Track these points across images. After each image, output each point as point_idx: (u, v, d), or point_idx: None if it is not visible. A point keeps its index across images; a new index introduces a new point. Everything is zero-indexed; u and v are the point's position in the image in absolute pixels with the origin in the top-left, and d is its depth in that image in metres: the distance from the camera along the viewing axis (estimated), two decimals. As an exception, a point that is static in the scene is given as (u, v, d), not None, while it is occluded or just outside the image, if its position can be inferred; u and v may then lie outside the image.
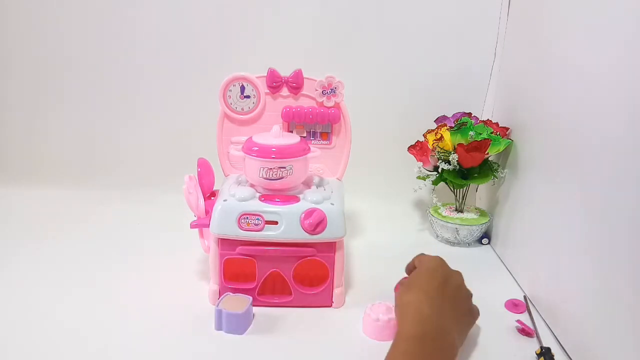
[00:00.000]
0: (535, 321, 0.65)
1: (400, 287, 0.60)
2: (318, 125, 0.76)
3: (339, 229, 0.64)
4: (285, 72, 0.73)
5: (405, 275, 0.65)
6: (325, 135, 0.76)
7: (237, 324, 0.61)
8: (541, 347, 0.59)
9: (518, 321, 0.64)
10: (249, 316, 0.63)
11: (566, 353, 0.59)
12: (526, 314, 0.68)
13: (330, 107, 0.74)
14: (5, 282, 0.72)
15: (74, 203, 1.03)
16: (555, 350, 0.59)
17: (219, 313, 0.62)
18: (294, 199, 0.66)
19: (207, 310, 0.65)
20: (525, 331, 0.63)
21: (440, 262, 0.60)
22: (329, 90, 0.73)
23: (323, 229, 0.63)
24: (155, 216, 0.97)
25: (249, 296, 0.64)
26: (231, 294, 0.65)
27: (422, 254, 0.64)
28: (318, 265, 0.66)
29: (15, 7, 1.04)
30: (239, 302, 0.63)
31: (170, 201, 0.86)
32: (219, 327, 0.62)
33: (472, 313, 0.60)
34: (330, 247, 0.65)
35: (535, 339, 0.62)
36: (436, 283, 0.55)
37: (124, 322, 0.64)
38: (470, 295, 0.60)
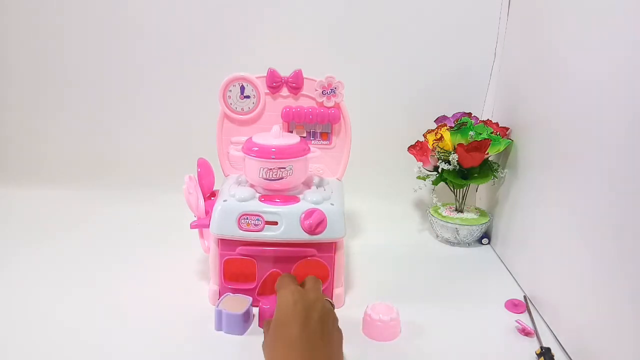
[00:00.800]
0: (535, 321, 0.65)
1: (266, 338, 0.54)
2: (318, 126, 0.76)
3: (339, 229, 0.64)
4: (285, 72, 0.73)
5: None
6: (325, 136, 0.76)
7: (237, 325, 0.61)
8: (541, 347, 0.59)
9: (518, 321, 0.64)
10: (249, 316, 0.63)
11: (566, 353, 0.59)
12: (526, 314, 0.68)
13: (330, 107, 0.74)
14: (5, 282, 0.72)
15: (74, 203, 1.03)
16: (555, 350, 0.59)
17: (219, 313, 0.62)
18: (294, 199, 0.65)
19: (207, 311, 0.65)
20: (525, 331, 0.63)
21: (294, 298, 0.53)
22: (329, 90, 0.73)
23: (323, 229, 0.63)
24: (155, 216, 0.97)
25: (249, 297, 0.64)
26: (231, 294, 0.65)
27: (280, 283, 0.58)
28: (318, 265, 0.66)
29: (16, 8, 1.04)
30: (239, 303, 0.63)
31: (170, 201, 0.86)
32: (219, 327, 0.62)
33: (339, 333, 0.55)
34: (330, 247, 0.65)
35: (535, 339, 0.62)
36: (297, 327, 0.49)
37: (124, 322, 0.64)
38: (333, 316, 0.55)
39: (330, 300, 0.60)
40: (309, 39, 1.01)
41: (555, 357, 0.57)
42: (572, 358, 0.58)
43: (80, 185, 1.09)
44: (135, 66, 1.06)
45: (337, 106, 0.74)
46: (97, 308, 0.66)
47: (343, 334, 0.55)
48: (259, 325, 0.63)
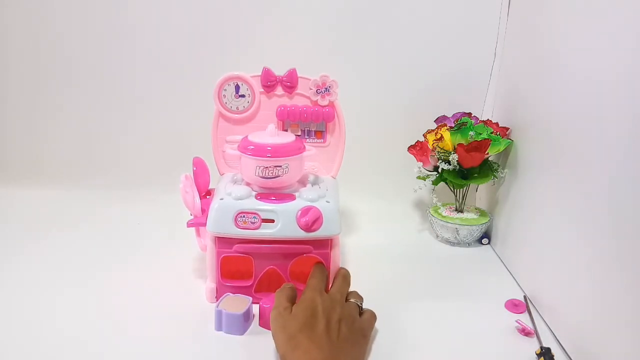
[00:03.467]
0: (535, 321, 0.65)
1: (283, 333, 0.55)
2: (312, 124, 0.76)
3: (335, 226, 0.64)
4: (280, 71, 0.73)
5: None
6: (320, 134, 0.77)
7: (237, 325, 0.61)
8: (541, 347, 0.58)
9: (518, 321, 0.63)
10: (249, 316, 0.63)
11: (566, 353, 0.59)
12: (526, 314, 0.67)
13: (325, 106, 0.74)
14: (5, 282, 0.73)
15: (74, 203, 1.03)
16: (555, 350, 0.58)
17: (219, 313, 0.61)
18: (290, 197, 0.66)
19: (206, 311, 0.65)
20: (525, 331, 0.62)
21: (317, 301, 0.57)
22: (323, 89, 0.73)
23: (319, 227, 0.63)
24: (155, 216, 0.97)
25: (249, 296, 0.64)
26: (231, 294, 0.65)
27: (309, 282, 0.62)
28: (314, 262, 0.66)
29: (16, 8, 1.05)
30: (239, 303, 0.63)
31: (170, 201, 0.86)
32: (218, 327, 0.62)
33: (364, 335, 0.58)
34: (326, 244, 0.66)
35: (535, 339, 0.61)
36: (321, 326, 0.53)
37: (124, 322, 0.63)
38: (352, 320, 0.57)
39: (359, 303, 0.61)
40: (309, 39, 1.01)
41: (555, 357, 0.57)
42: (572, 358, 0.58)
43: (80, 185, 1.09)
44: (133, 66, 1.06)
45: (331, 105, 0.74)
46: (96, 308, 0.66)
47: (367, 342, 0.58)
48: (259, 324, 0.63)
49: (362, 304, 0.62)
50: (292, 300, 0.59)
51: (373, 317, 0.61)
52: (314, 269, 0.65)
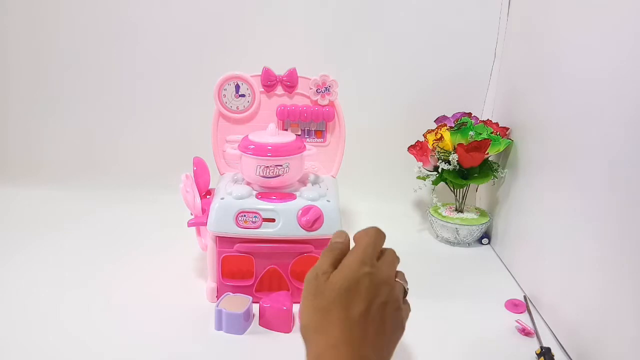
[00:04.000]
0: (535, 321, 0.65)
1: (310, 302, 0.44)
2: (312, 124, 0.76)
3: (336, 225, 0.64)
4: (280, 71, 0.73)
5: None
6: (320, 134, 0.77)
7: (237, 324, 0.61)
8: (541, 347, 0.58)
9: (518, 321, 0.63)
10: (248, 316, 0.63)
11: (566, 353, 0.59)
12: (526, 314, 0.67)
13: (325, 106, 0.74)
14: (5, 282, 0.72)
15: (74, 203, 1.03)
16: (555, 350, 0.58)
17: (219, 313, 0.61)
18: (291, 196, 0.66)
19: (206, 310, 0.65)
20: (525, 331, 0.62)
21: (362, 271, 0.44)
22: (323, 88, 0.73)
23: (320, 226, 0.63)
24: (154, 215, 0.97)
25: (249, 296, 0.64)
26: (231, 293, 0.65)
27: (362, 239, 0.49)
28: (315, 261, 0.64)
29: (16, 8, 1.05)
30: (239, 302, 0.63)
31: (171, 201, 0.86)
32: (219, 327, 0.62)
33: (403, 326, 0.46)
34: (327, 243, 0.64)
35: (535, 339, 0.61)
36: (359, 309, 0.42)
37: (123, 322, 0.63)
38: (396, 306, 0.44)
39: (405, 285, 0.48)
40: (309, 39, 1.01)
41: (555, 357, 0.57)
42: (572, 358, 0.58)
43: (80, 185, 1.09)
44: (133, 66, 1.07)
45: (331, 104, 0.74)
46: (96, 307, 0.66)
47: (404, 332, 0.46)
48: (259, 324, 0.63)
49: (407, 289, 0.48)
50: (338, 265, 0.46)
51: (409, 308, 0.48)
52: (369, 230, 0.50)
